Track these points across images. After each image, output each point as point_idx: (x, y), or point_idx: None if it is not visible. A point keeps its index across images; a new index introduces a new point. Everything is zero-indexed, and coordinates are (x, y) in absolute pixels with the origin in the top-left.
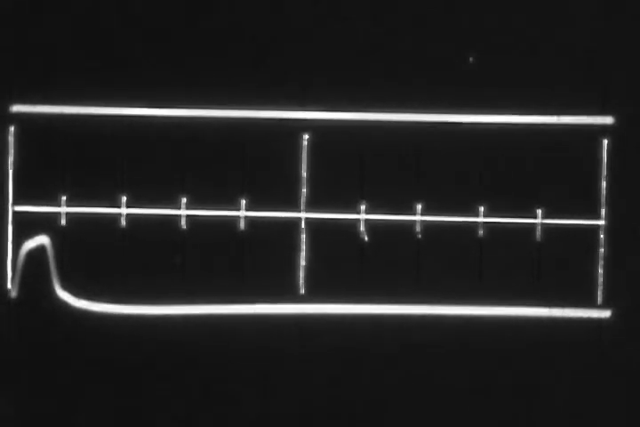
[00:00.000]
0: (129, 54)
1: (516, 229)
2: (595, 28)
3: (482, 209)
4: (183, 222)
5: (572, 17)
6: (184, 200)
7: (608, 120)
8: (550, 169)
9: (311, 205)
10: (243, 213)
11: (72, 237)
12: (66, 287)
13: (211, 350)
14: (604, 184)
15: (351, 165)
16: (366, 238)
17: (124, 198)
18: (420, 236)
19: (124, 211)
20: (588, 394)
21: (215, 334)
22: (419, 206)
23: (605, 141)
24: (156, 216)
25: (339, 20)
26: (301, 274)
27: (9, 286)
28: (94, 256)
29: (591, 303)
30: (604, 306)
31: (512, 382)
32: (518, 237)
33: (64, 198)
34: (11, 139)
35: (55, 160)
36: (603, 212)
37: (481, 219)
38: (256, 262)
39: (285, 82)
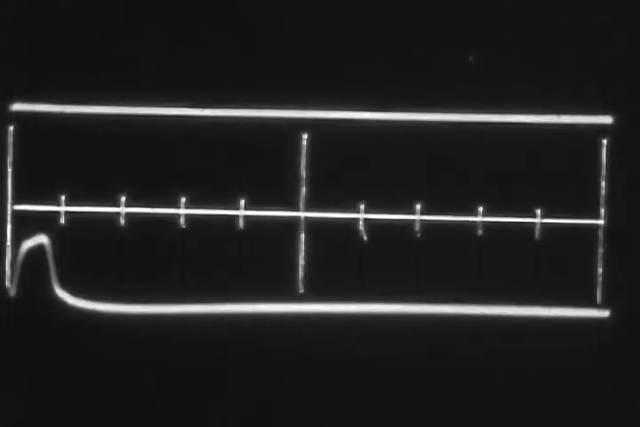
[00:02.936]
0: (129, 54)
1: (516, 228)
2: (595, 28)
3: (481, 209)
4: (182, 222)
5: (572, 17)
6: (183, 199)
7: (608, 120)
8: (550, 169)
9: (311, 205)
10: (242, 212)
11: (71, 236)
12: (65, 287)
13: (210, 350)
14: (603, 184)
15: (351, 165)
16: (366, 238)
17: (124, 198)
18: (419, 236)
19: (123, 210)
20: (587, 394)
21: (215, 334)
22: (418, 206)
23: (605, 141)
24: (156, 215)
25: (339, 20)
26: (301, 274)
27: (8, 284)
28: (94, 255)
29: (591, 303)
30: (603, 306)
31: (512, 382)
32: (518, 237)
33: (63, 198)
34: (10, 138)
35: (55, 160)
36: (602, 212)
37: (480, 219)
38: (256, 262)
39: (285, 82)
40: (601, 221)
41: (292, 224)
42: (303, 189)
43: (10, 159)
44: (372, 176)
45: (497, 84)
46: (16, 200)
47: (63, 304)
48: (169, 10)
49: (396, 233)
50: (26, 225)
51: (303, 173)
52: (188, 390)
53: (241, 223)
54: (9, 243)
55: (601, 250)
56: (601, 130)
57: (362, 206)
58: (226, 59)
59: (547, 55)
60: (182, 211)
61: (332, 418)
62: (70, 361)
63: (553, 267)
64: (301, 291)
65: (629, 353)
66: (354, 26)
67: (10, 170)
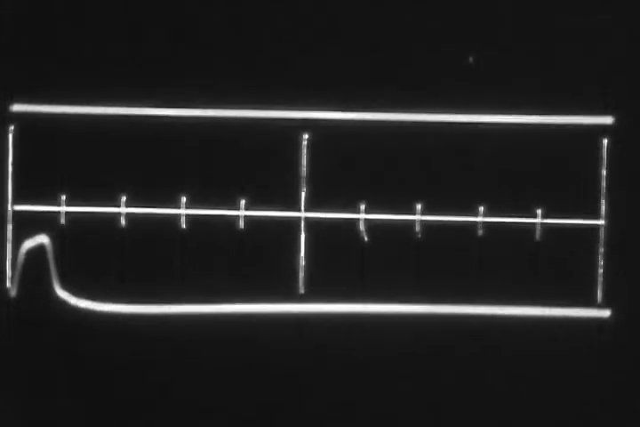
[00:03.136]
0: (129, 54)
1: (516, 228)
2: (595, 28)
3: (482, 209)
4: (182, 222)
5: (572, 17)
6: (184, 200)
7: (608, 120)
8: (550, 169)
9: (311, 206)
10: (242, 212)
11: (72, 236)
12: (66, 287)
13: (211, 350)
14: (603, 184)
15: (351, 165)
16: (366, 238)
17: (124, 198)
18: (419, 236)
19: (123, 210)
20: (587, 394)
21: (215, 334)
22: (419, 206)
23: (605, 141)
24: (156, 216)
25: (339, 20)
26: (301, 274)
27: (8, 285)
28: (94, 255)
29: (591, 303)
30: (603, 306)
31: (512, 383)
32: (518, 237)
33: (64, 198)
34: (11, 138)
35: (55, 160)
36: (603, 212)
37: (481, 218)
38: (256, 262)
39: (285, 82)
40: (601, 222)
41: (293, 224)
42: (303, 190)
43: (10, 159)
44: (373, 176)
45: (497, 85)
46: (16, 200)
47: (64, 304)
48: (169, 10)
49: (397, 233)
50: (26, 225)
51: (303, 174)
52: (188, 390)
53: (241, 223)
54: (9, 243)
55: (601, 250)
56: (601, 130)
57: (362, 207)
58: (226, 59)
59: (547, 55)
60: (182, 211)
61: (332, 418)
62: (70, 361)
63: (553, 267)
64: (302, 291)
65: (630, 353)
66: (354, 26)
67: (10, 170)
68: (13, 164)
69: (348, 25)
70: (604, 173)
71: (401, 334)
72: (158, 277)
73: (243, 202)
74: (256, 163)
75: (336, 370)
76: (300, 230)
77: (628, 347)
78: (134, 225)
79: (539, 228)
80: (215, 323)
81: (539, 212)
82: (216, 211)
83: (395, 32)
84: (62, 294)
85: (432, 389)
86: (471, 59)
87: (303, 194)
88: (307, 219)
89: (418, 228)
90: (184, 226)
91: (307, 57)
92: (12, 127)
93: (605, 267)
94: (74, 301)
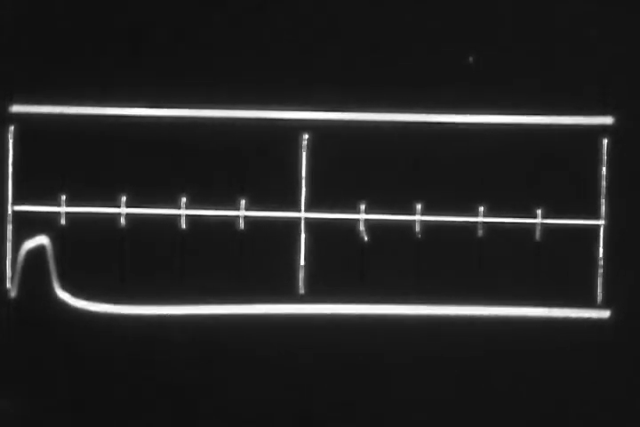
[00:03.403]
0: (129, 54)
1: (516, 228)
2: (594, 28)
3: (481, 209)
4: (183, 222)
5: (572, 17)
6: (184, 200)
7: (608, 120)
8: (550, 169)
9: (311, 206)
10: (242, 212)
11: (72, 236)
12: (66, 287)
13: (211, 351)
14: (603, 184)
15: (351, 165)
16: (366, 238)
17: (124, 198)
18: (419, 236)
19: (123, 210)
20: (587, 394)
21: (215, 334)
22: (419, 206)
23: (605, 141)
24: (156, 216)
25: (339, 20)
26: (301, 274)
27: (8, 285)
28: (94, 256)
29: (591, 303)
30: (603, 306)
31: (511, 383)
32: (518, 237)
33: (64, 198)
34: (11, 139)
35: (55, 160)
36: (603, 212)
37: (481, 219)
38: (256, 262)
39: (285, 82)
40: (601, 222)
41: (293, 225)
42: (303, 190)
43: (10, 160)
44: (372, 176)
45: (497, 84)
46: (16, 201)
47: (64, 305)
48: (169, 10)
49: (397, 233)
50: (26, 226)
51: (303, 174)
52: (187, 390)
53: (241, 224)
54: (9, 244)
55: (601, 250)
56: (601, 130)
57: (362, 207)
58: (226, 59)
59: (547, 55)
60: (183, 211)
61: (332, 418)
62: (70, 361)
63: (553, 267)
64: (302, 292)
65: (630, 353)
66: (354, 26)
67: (10, 170)
68: (13, 164)
69: (348, 25)
70: (604, 173)
71: (401, 335)
72: (158, 277)
73: (243, 202)
74: (256, 163)
75: (336, 370)
76: (300, 230)
77: (628, 347)
78: (134, 225)
79: (539, 228)
80: (215, 323)
81: (539, 212)
82: (216, 211)
83: (395, 32)
84: (62, 294)
85: (432, 389)
86: (471, 59)
87: (303, 194)
88: (307, 219)
89: (418, 228)
90: (184, 226)
91: (307, 57)
92: (12, 127)
93: (605, 267)
94: (74, 301)
